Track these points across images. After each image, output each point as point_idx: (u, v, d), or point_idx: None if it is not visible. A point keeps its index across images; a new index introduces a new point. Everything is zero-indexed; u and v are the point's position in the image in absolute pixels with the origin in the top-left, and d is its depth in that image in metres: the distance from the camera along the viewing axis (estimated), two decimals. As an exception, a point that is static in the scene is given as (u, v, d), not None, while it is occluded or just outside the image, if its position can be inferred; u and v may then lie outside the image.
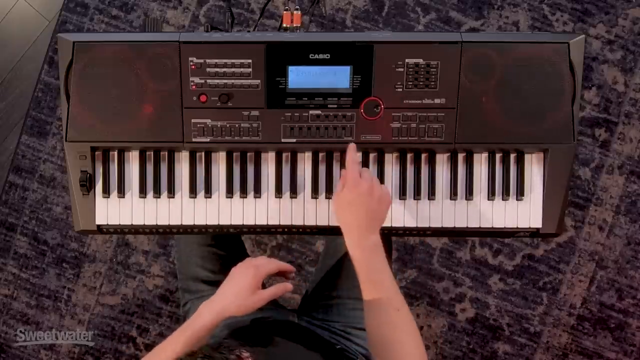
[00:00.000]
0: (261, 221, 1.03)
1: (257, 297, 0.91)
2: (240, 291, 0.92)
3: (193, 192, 1.02)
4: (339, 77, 0.98)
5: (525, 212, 1.03)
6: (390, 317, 0.88)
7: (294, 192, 1.02)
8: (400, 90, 0.98)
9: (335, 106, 0.99)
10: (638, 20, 1.82)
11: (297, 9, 1.05)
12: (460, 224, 1.03)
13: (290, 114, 0.99)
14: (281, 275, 1.00)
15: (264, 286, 0.95)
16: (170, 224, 1.03)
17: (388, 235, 1.11)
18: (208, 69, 0.97)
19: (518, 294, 1.85)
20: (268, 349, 0.95)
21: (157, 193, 1.02)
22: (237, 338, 1.04)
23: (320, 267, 1.25)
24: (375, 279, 0.90)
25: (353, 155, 0.94)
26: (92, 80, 0.97)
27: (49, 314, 1.88)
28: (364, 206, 0.90)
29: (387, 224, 1.02)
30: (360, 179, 0.91)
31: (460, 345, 1.86)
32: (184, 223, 1.03)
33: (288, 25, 1.06)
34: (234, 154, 1.02)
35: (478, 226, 1.03)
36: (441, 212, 1.03)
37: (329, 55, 0.97)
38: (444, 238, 1.84)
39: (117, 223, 1.03)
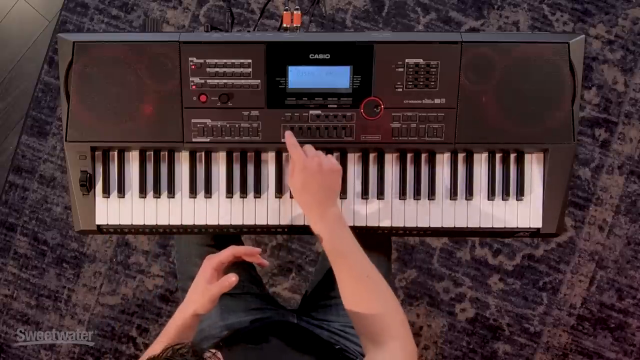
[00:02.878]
0: (261, 221, 1.03)
1: (207, 292, 0.89)
2: (194, 287, 0.92)
3: (193, 192, 1.02)
4: (339, 77, 0.97)
5: (525, 212, 1.03)
6: (361, 283, 0.89)
7: (294, 192, 1.02)
8: (400, 90, 0.98)
9: (335, 106, 0.99)
10: (638, 20, 1.81)
11: (297, 9, 1.05)
12: (460, 224, 1.03)
13: (290, 114, 0.99)
14: (250, 260, 0.96)
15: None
16: (170, 224, 1.03)
17: (388, 235, 1.11)
18: (208, 69, 0.97)
19: (518, 294, 1.84)
20: (265, 350, 0.95)
21: (157, 193, 1.02)
22: (236, 338, 1.04)
23: (319, 268, 1.25)
24: (341, 248, 0.91)
25: (291, 139, 0.95)
26: (92, 80, 0.97)
27: (49, 314, 1.88)
28: (317, 183, 0.91)
29: (387, 224, 1.02)
30: (307, 158, 0.92)
31: (460, 345, 1.86)
32: (184, 223, 1.03)
33: (288, 25, 1.05)
34: (234, 154, 1.02)
35: (478, 226, 1.03)
36: (441, 212, 1.03)
37: (329, 55, 0.97)
38: (444, 238, 1.84)
39: (117, 223, 1.03)
